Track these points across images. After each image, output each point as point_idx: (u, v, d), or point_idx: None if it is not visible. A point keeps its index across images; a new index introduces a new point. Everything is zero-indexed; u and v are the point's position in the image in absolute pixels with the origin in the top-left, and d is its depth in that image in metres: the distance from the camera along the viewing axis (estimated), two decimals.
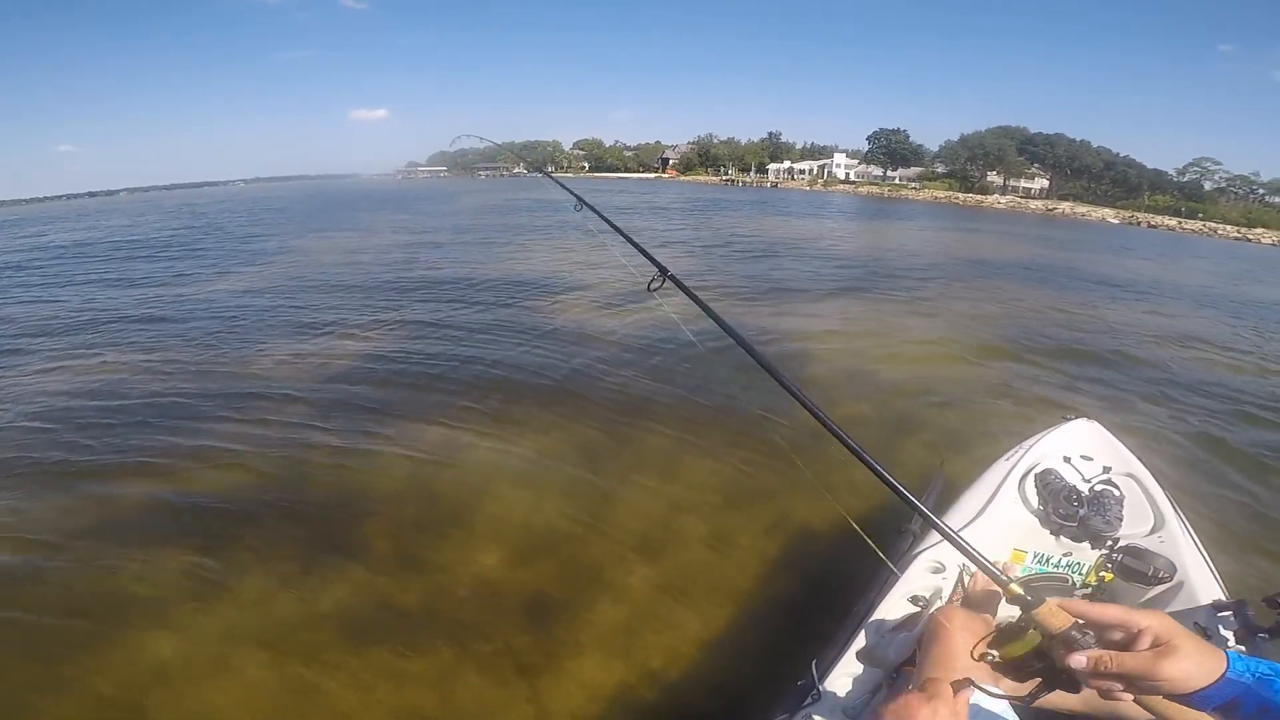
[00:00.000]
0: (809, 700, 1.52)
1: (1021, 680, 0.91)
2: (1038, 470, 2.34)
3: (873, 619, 1.75)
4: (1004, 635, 0.94)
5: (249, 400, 5.17)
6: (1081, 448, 2.50)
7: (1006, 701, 1.11)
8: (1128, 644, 0.78)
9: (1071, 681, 0.83)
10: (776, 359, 6.39)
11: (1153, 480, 2.33)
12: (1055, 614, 0.83)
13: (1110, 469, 2.36)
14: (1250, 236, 42.47)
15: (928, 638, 1.35)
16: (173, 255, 15.17)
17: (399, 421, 4.67)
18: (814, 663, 1.64)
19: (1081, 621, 0.82)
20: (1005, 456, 2.50)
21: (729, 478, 3.99)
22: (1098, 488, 2.23)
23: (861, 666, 1.63)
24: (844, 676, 1.60)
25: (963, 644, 1.26)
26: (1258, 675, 0.74)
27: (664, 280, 1.76)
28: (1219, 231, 44.17)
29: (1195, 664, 0.74)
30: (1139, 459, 2.47)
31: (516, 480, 3.88)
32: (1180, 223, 47.30)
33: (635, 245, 2.12)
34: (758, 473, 4.02)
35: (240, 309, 8.68)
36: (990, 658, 0.93)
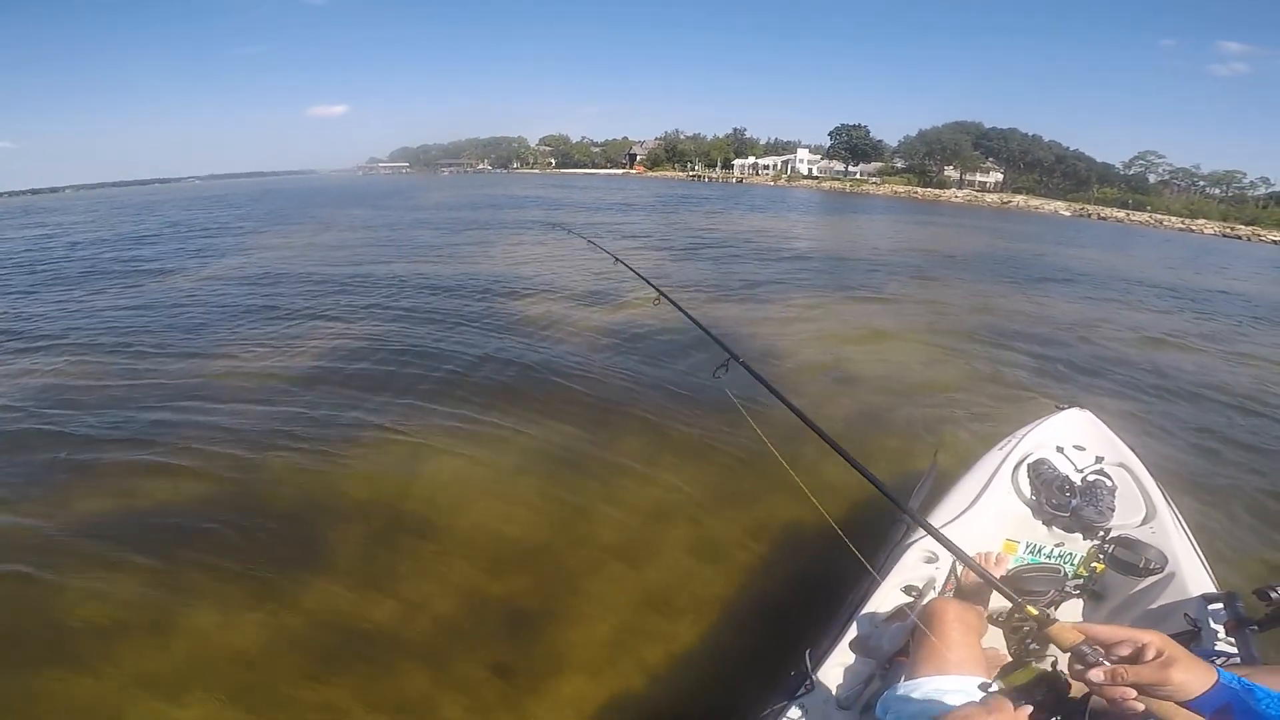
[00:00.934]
0: (803, 690, 1.52)
1: (1029, 703, 0.97)
2: (1030, 460, 2.34)
3: (866, 610, 1.75)
4: (1009, 665, 1.04)
5: (203, 408, 4.87)
6: (1074, 437, 2.49)
7: (997, 688, 1.16)
8: (1135, 658, 0.87)
9: (1074, 707, 0.94)
10: (752, 355, 6.27)
11: (1144, 470, 2.32)
12: (1067, 631, 0.91)
13: (1103, 459, 2.35)
14: (1194, 227, 44.44)
15: (921, 628, 1.37)
16: (119, 254, 14.36)
17: (365, 429, 4.46)
18: (808, 653, 1.63)
19: (1088, 638, 0.90)
20: (998, 446, 2.49)
21: (711, 476, 3.89)
22: (1090, 478, 2.23)
23: (855, 657, 1.63)
24: (837, 667, 1.60)
25: (956, 634, 1.30)
26: (1243, 685, 0.85)
27: (727, 366, 2.04)
28: (1165, 223, 46.10)
29: (1194, 673, 0.85)
30: (1131, 449, 2.46)
31: (490, 488, 3.73)
32: (1128, 215, 49.19)
33: (702, 328, 2.47)
34: (741, 469, 3.93)
35: (195, 312, 8.27)
36: (994, 687, 1.00)
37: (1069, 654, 0.90)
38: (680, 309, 2.73)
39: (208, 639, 2.59)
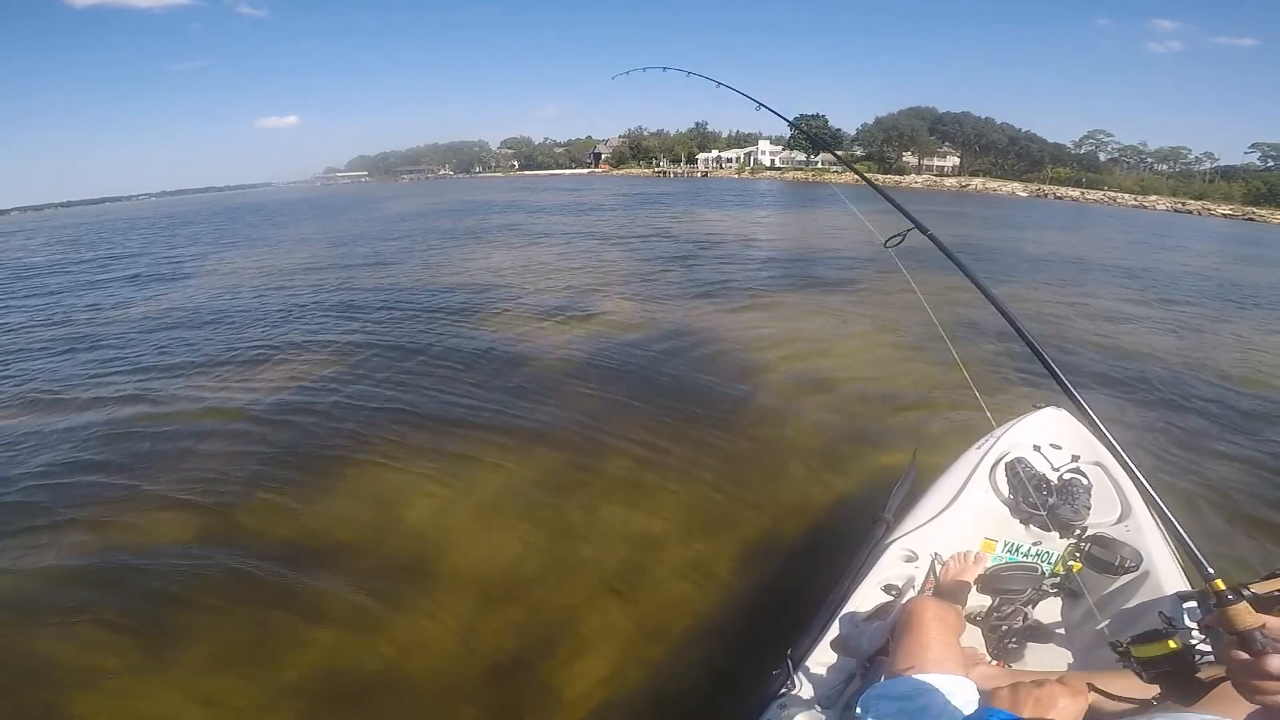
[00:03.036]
0: (784, 690, 1.53)
1: (1144, 680, 1.00)
2: (1008, 459, 2.36)
3: (846, 609, 1.76)
4: (1143, 635, 1.01)
5: (178, 447, 4.52)
6: (1051, 436, 2.51)
7: (975, 687, 1.18)
8: None
9: (1193, 689, 0.94)
10: (723, 359, 5.68)
11: (1120, 468, 2.25)
12: (1246, 614, 0.88)
13: (1079, 457, 2.36)
14: (1146, 204, 45.62)
15: (901, 627, 1.37)
16: (78, 279, 13.42)
17: (348, 463, 4.16)
18: (789, 652, 1.63)
19: (1267, 626, 0.86)
20: (976, 445, 2.50)
21: (692, 493, 3.79)
22: (1066, 476, 2.24)
23: (836, 656, 1.65)
24: (818, 666, 1.62)
25: (935, 633, 1.30)
26: None
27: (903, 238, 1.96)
28: (1118, 200, 47.24)
29: None
30: (1106, 446, 2.29)
31: (477, 521, 3.54)
32: (1083, 193, 50.37)
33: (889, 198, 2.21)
34: (722, 485, 3.84)
35: (162, 339, 7.71)
36: (1121, 648, 1.03)
37: (1235, 636, 0.86)
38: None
39: (188, 688, 2.46)
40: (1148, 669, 1.01)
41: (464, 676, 2.50)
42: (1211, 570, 0.99)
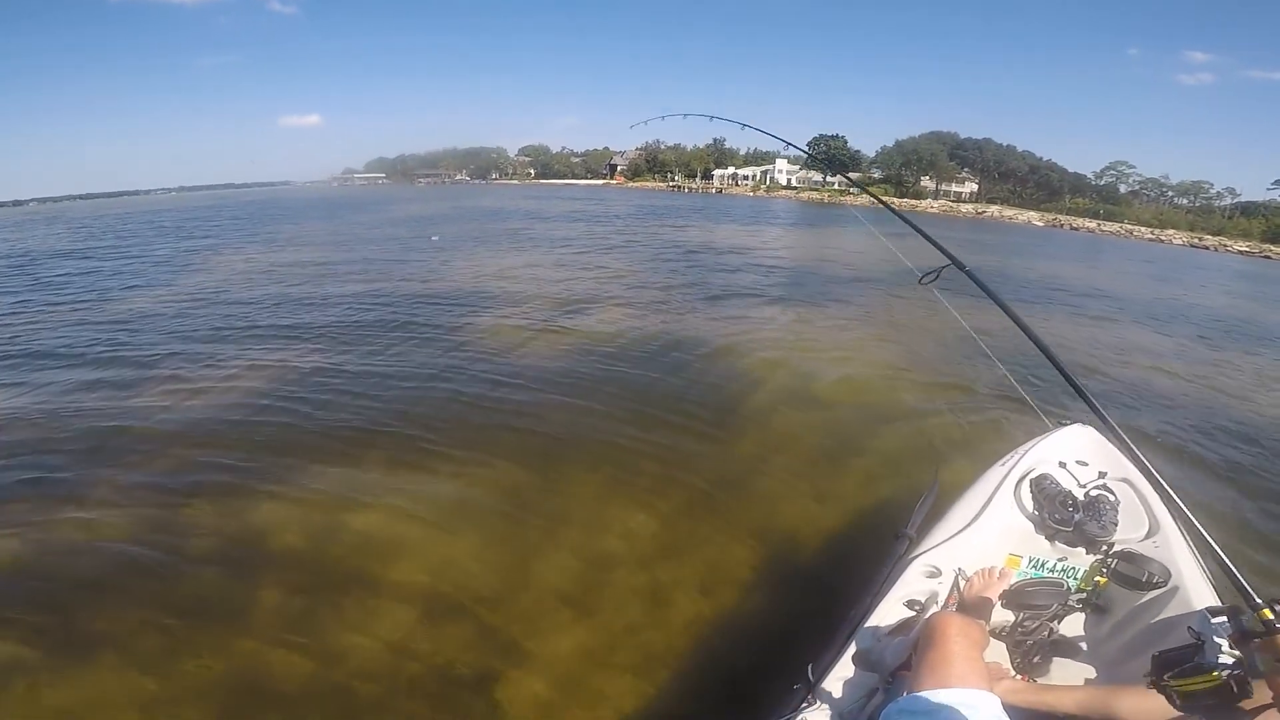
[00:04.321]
0: (804, 704, 1.53)
1: (1183, 712, 0.99)
2: (1033, 475, 2.34)
3: (868, 623, 1.75)
4: (1187, 669, 1.00)
5: (111, 444, 4.46)
6: (1077, 453, 2.49)
7: (999, 702, 1.17)
8: None
9: (1238, 716, 0.92)
10: (735, 376, 5.53)
11: (1148, 485, 2.28)
12: None
13: (1106, 474, 2.35)
14: (1163, 238, 45.30)
15: (923, 642, 1.36)
16: (66, 270, 13.65)
17: (291, 468, 4.09)
18: (809, 666, 1.63)
19: None
20: (1001, 461, 2.49)
21: (709, 500, 3.81)
22: (1093, 493, 2.23)
23: (857, 670, 1.63)
24: (839, 680, 1.60)
25: (959, 648, 1.28)
26: None
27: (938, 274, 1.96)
28: (1135, 233, 46.92)
29: None
30: (1135, 464, 2.28)
31: (428, 533, 3.46)
32: (1099, 225, 50.06)
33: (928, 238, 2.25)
34: (727, 491, 3.87)
35: (122, 333, 7.71)
36: (1162, 683, 1.01)
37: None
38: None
39: (105, 696, 2.41)
40: (1190, 702, 0.98)
41: (397, 690, 2.45)
42: (1260, 600, 0.99)
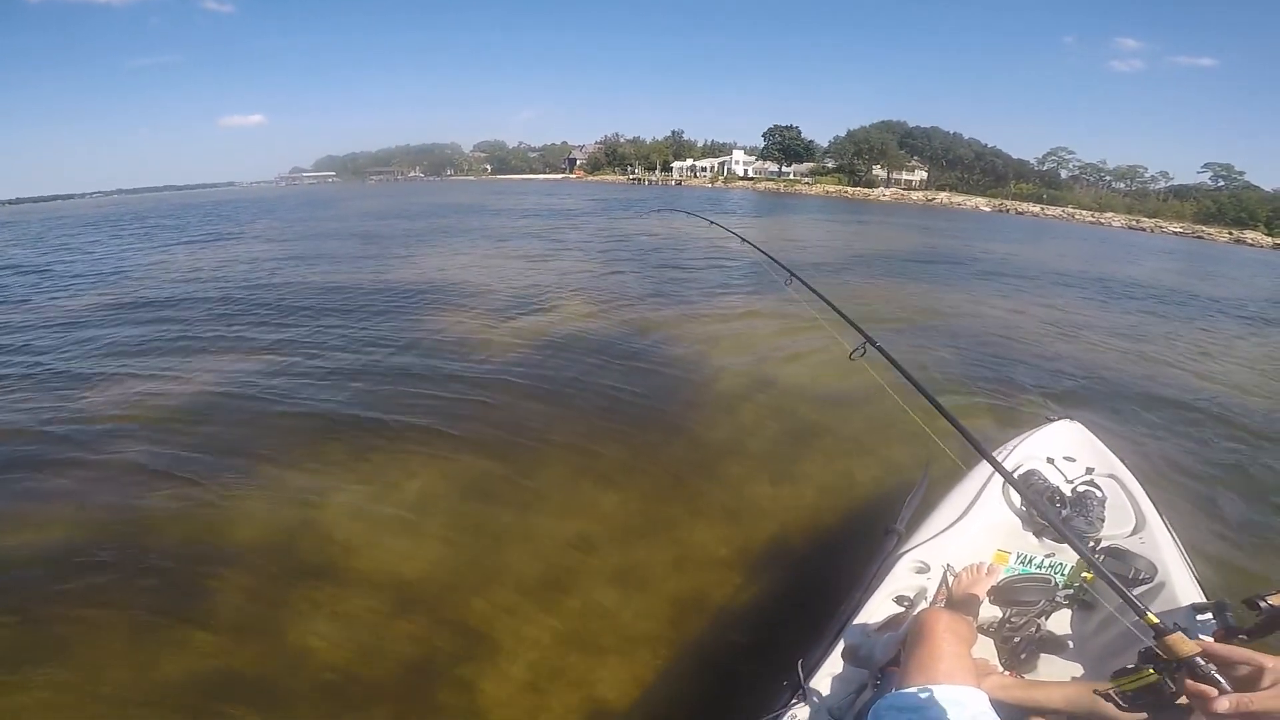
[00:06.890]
0: (794, 700, 1.53)
1: (1130, 712, 1.02)
2: (1021, 471, 2.35)
3: (858, 620, 1.75)
4: (1121, 671, 1.03)
5: (75, 442, 4.35)
6: (1064, 449, 2.52)
7: (986, 698, 1.17)
8: (1253, 681, 0.86)
9: (1175, 714, 0.94)
10: (695, 370, 5.39)
11: (1134, 481, 2.32)
12: (1183, 642, 0.91)
13: (1093, 470, 2.38)
14: (1102, 220, 47.18)
15: (912, 638, 1.36)
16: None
17: (257, 461, 4.05)
18: (799, 662, 1.63)
19: (1205, 652, 0.90)
20: None
21: (696, 492, 3.78)
22: (1080, 489, 2.24)
23: (846, 666, 1.64)
24: (829, 676, 1.61)
25: (947, 644, 1.29)
26: None
27: (865, 350, 2.09)
28: (1076, 216, 48.73)
29: None
30: (1121, 460, 2.47)
31: (394, 524, 3.41)
32: (1043, 209, 51.82)
33: (839, 312, 2.46)
34: (713, 486, 3.84)
35: (76, 336, 7.28)
36: (1106, 691, 1.04)
37: (1181, 664, 0.90)
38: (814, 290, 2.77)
39: (71, 690, 2.38)
40: (1131, 702, 1.00)
41: (366, 682, 2.42)
42: (1142, 606, 1.03)
